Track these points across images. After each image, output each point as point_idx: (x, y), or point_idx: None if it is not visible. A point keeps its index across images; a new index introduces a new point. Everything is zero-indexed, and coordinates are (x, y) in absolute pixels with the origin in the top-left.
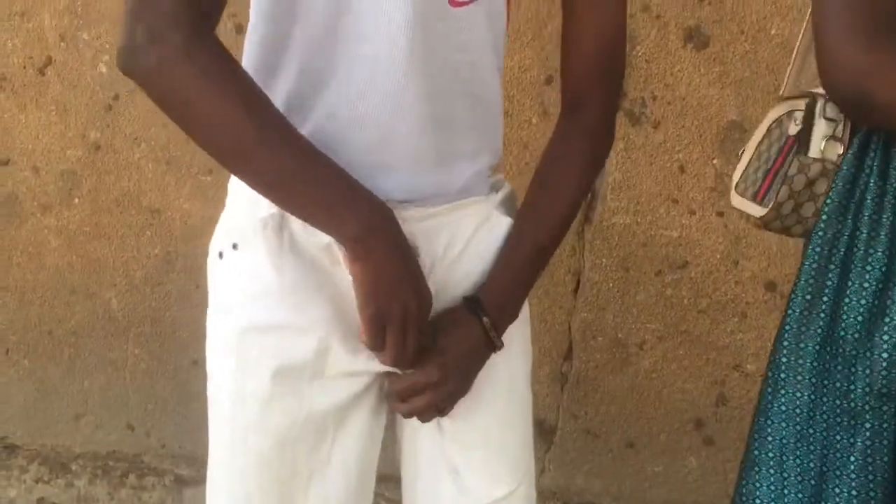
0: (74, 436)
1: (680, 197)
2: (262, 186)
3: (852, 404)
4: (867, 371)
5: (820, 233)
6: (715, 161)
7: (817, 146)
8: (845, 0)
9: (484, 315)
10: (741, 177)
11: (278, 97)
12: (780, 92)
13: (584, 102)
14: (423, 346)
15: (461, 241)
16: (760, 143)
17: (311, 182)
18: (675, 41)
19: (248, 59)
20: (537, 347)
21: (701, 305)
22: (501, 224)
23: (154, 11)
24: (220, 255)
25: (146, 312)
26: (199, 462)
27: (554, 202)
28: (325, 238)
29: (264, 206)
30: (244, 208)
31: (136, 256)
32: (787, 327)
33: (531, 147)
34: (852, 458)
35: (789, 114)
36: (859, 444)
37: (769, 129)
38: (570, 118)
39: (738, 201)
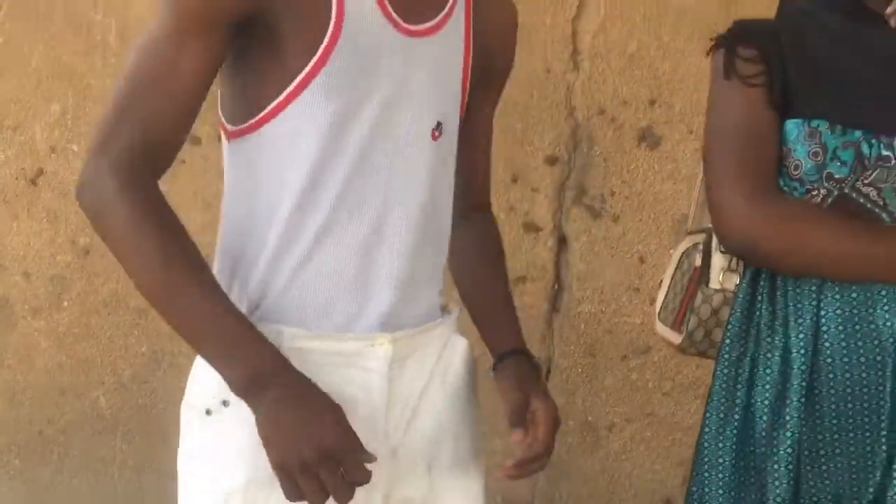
0: None
1: (641, 286)
2: (172, 326)
3: None
4: (774, 483)
5: (725, 355)
6: (672, 251)
7: (717, 277)
8: (732, 163)
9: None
10: (661, 306)
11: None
12: (688, 226)
13: (482, 204)
14: (358, 481)
15: (429, 365)
16: (674, 274)
17: (209, 330)
18: (630, 141)
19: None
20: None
21: (665, 388)
22: (458, 345)
23: (104, 153)
24: (208, 412)
25: (134, 410)
26: None
27: (498, 269)
28: (331, 384)
29: None
30: None
31: (124, 356)
32: (705, 444)
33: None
34: None
35: (695, 246)
36: None
37: (680, 261)
38: (477, 218)
39: (660, 328)
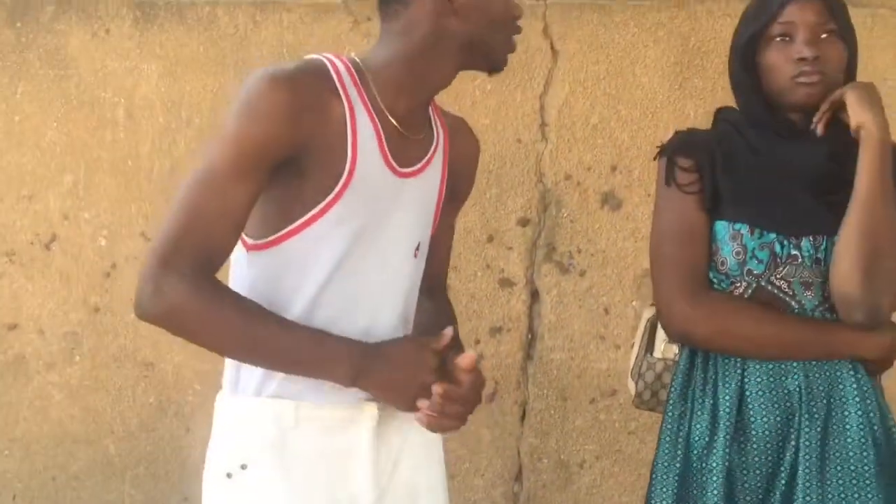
0: None
1: (606, 334)
2: (269, 367)
3: None
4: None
5: (669, 414)
6: (634, 303)
7: (660, 348)
8: (670, 264)
9: None
10: (633, 366)
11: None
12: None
13: (441, 287)
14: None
15: (406, 425)
16: (641, 339)
17: (304, 356)
18: (594, 204)
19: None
20: (491, 471)
21: (630, 427)
22: None
23: (171, 268)
24: (229, 475)
25: (141, 456)
26: None
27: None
28: (333, 444)
29: (269, 424)
30: (247, 428)
31: (132, 406)
32: (652, 494)
33: (477, 297)
34: None
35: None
36: None
37: (646, 328)
38: (437, 296)
39: (630, 385)
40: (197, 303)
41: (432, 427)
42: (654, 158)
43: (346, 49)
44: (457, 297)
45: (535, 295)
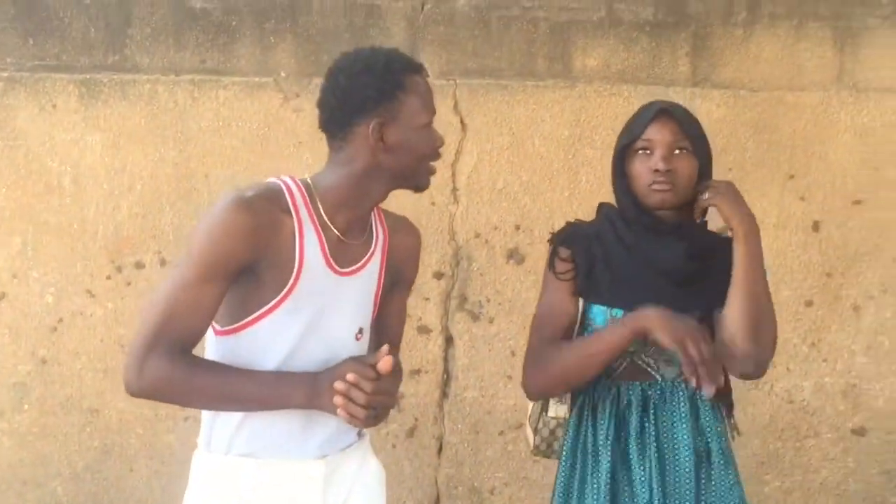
0: None
1: (513, 374)
2: (242, 410)
3: None
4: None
5: (563, 463)
6: None
7: (553, 408)
8: (535, 338)
9: None
10: (529, 419)
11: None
12: None
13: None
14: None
15: (351, 475)
16: None
17: (268, 392)
18: (501, 259)
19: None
20: (412, 499)
21: (535, 457)
22: (371, 462)
23: (153, 352)
24: None
25: (87, 496)
26: None
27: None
28: (289, 494)
29: (236, 479)
30: (218, 482)
31: (78, 450)
32: None
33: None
34: None
35: None
36: None
37: None
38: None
39: (529, 434)
40: (174, 375)
41: (347, 417)
42: (548, 242)
43: (277, 123)
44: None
45: (449, 340)
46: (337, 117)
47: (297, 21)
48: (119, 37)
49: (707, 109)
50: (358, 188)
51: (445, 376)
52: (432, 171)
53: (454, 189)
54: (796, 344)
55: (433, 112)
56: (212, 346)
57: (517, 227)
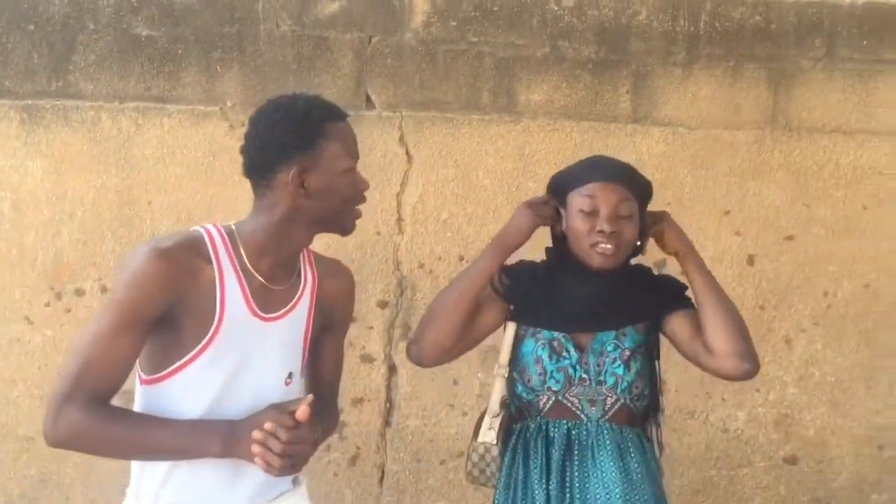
0: None
1: (455, 402)
2: (159, 459)
3: None
4: None
5: (498, 496)
6: (479, 374)
7: (482, 434)
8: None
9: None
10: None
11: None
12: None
13: (328, 392)
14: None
15: None
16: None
17: (183, 442)
18: None
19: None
20: None
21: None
22: None
23: (71, 402)
24: None
25: None
26: None
27: (329, 424)
28: None
29: None
30: None
31: (14, 477)
32: None
33: None
34: None
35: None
36: None
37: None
38: (324, 400)
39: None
40: (88, 426)
41: (264, 465)
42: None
43: (223, 151)
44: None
45: (392, 369)
46: (258, 164)
47: (244, 50)
48: (63, 63)
49: (647, 146)
50: (280, 234)
51: (388, 405)
52: (357, 215)
53: (399, 219)
54: None
55: (356, 157)
56: (139, 396)
57: (461, 258)
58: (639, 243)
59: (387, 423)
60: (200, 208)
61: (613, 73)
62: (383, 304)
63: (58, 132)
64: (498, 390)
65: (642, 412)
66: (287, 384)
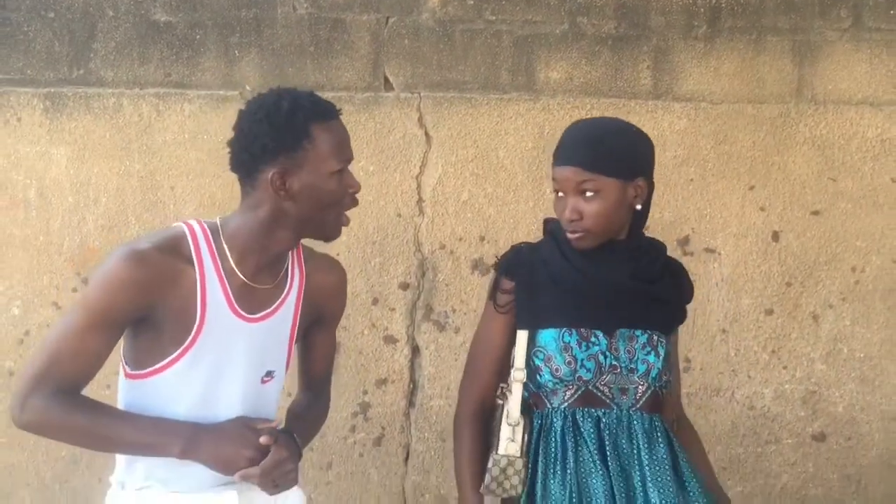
0: None
1: None
2: (118, 452)
3: None
4: None
5: (522, 497)
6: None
7: (504, 446)
8: (469, 371)
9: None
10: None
11: None
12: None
13: (319, 385)
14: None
15: None
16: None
17: (142, 438)
18: (466, 269)
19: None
20: None
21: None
22: (292, 493)
23: (38, 391)
24: None
25: None
26: None
27: (318, 414)
28: None
29: None
30: None
31: (47, 460)
32: None
33: (364, 353)
34: None
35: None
36: None
37: (495, 426)
38: (314, 392)
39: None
40: (51, 415)
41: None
42: (493, 267)
43: None
44: (346, 353)
45: (415, 350)
46: (242, 161)
47: (261, 34)
48: (83, 51)
49: (669, 122)
50: (264, 234)
51: (412, 386)
52: (344, 222)
53: (419, 201)
54: (757, 352)
55: (346, 159)
56: (123, 390)
57: (482, 238)
58: (638, 207)
59: (411, 404)
60: (222, 192)
61: (633, 48)
62: (405, 286)
63: (80, 119)
64: (516, 397)
65: (665, 397)
66: (264, 382)
